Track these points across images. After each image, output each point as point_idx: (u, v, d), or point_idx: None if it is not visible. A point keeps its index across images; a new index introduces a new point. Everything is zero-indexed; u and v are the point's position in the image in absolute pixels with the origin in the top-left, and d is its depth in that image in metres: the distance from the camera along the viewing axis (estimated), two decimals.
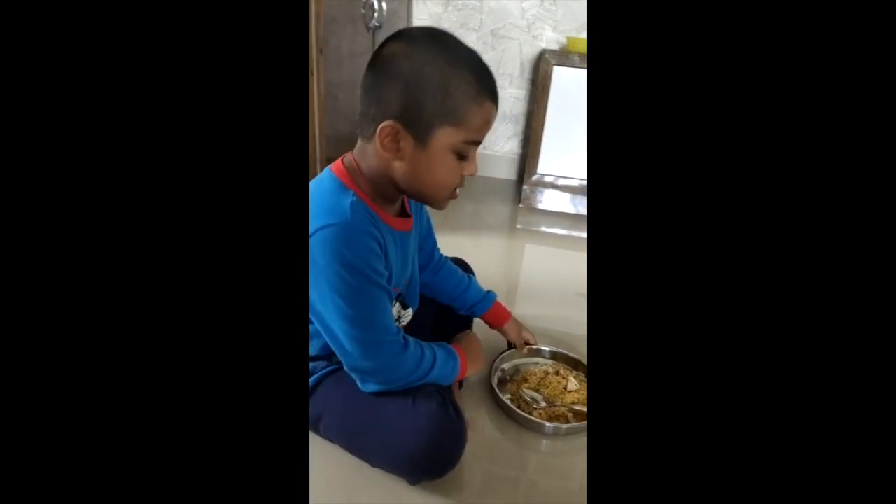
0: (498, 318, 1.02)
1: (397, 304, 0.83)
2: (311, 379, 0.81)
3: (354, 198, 0.69)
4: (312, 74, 1.18)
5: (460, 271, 1.02)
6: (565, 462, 0.86)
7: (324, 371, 0.81)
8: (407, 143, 0.66)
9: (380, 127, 0.65)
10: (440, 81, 0.63)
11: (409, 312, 0.87)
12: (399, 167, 0.68)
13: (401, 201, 0.79)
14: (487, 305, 1.00)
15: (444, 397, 0.76)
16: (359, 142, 0.72)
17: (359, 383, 0.75)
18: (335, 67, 1.30)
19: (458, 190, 0.73)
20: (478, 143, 0.68)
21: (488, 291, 1.02)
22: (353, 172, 0.72)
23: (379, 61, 0.66)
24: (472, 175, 0.71)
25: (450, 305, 1.01)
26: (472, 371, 0.87)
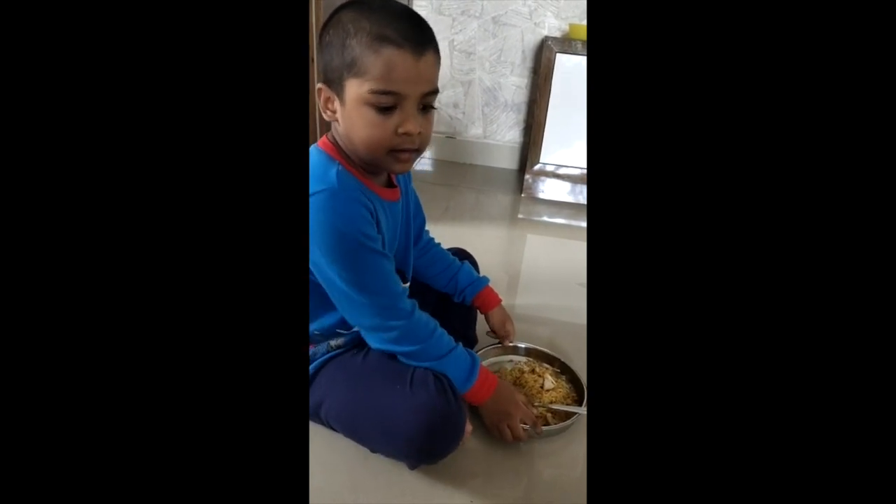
0: (487, 302, 1.00)
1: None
2: (313, 365, 0.81)
3: (340, 167, 0.70)
4: (312, 61, 1.16)
5: (451, 256, 1.01)
6: (567, 450, 0.86)
7: (325, 357, 0.81)
8: (335, 103, 0.68)
9: (316, 90, 0.69)
10: (342, 35, 0.65)
11: (406, 287, 0.86)
12: (339, 129, 0.70)
13: (386, 173, 0.80)
14: (478, 288, 0.99)
15: (442, 382, 0.75)
16: None
17: (367, 339, 0.77)
18: None
19: (408, 154, 0.70)
20: (390, 93, 0.65)
21: (481, 276, 1.01)
22: (336, 145, 0.73)
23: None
24: (408, 133, 0.67)
25: (443, 292, 1.00)
26: (488, 411, 0.82)
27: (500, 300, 1.02)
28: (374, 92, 0.64)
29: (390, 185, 0.80)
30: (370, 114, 0.66)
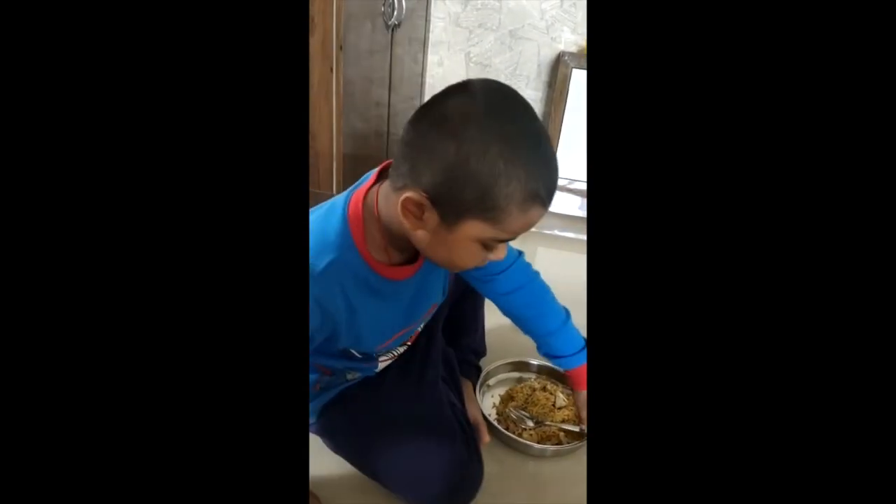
0: (581, 382, 0.87)
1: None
2: (328, 396, 0.82)
3: (336, 257, 0.63)
4: (332, 71, 1.17)
5: (553, 307, 0.87)
6: (577, 468, 0.85)
7: (340, 387, 0.82)
8: (432, 216, 0.57)
9: (404, 196, 0.57)
10: (485, 179, 0.53)
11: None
12: (420, 234, 0.60)
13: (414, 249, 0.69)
14: (574, 364, 0.84)
15: (466, 435, 0.76)
16: (388, 182, 0.62)
17: None
18: (352, 63, 1.29)
19: None
20: (511, 240, 0.62)
21: (584, 348, 0.86)
22: (368, 214, 0.65)
23: (427, 120, 0.56)
24: (498, 260, 0.65)
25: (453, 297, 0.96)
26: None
27: None
28: (500, 240, 0.60)
29: (412, 258, 0.71)
30: (477, 248, 0.60)
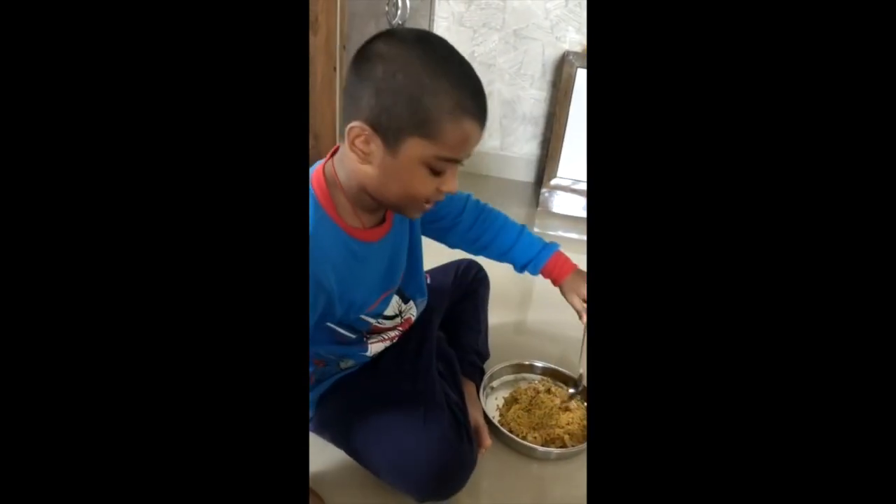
0: (558, 273, 0.89)
1: (396, 297, 0.81)
2: (322, 386, 0.81)
3: (315, 231, 0.65)
4: (335, 70, 1.17)
5: (502, 223, 0.91)
6: (582, 472, 0.85)
7: (334, 378, 0.81)
8: (376, 147, 0.62)
9: (348, 127, 0.62)
10: (413, 90, 0.58)
11: (412, 304, 0.86)
12: (369, 172, 0.64)
13: (384, 210, 0.74)
14: (541, 263, 0.89)
15: (456, 417, 0.75)
16: (341, 146, 0.68)
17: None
18: None
19: (432, 204, 0.69)
20: (455, 160, 0.64)
21: (548, 244, 0.91)
22: (331, 184, 0.69)
23: (359, 59, 0.62)
24: (450, 192, 0.67)
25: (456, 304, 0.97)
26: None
27: (573, 267, 0.90)
28: (441, 158, 0.62)
29: (382, 220, 0.75)
30: (423, 173, 0.63)
